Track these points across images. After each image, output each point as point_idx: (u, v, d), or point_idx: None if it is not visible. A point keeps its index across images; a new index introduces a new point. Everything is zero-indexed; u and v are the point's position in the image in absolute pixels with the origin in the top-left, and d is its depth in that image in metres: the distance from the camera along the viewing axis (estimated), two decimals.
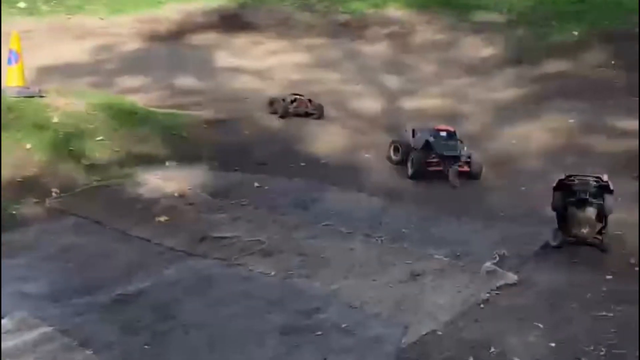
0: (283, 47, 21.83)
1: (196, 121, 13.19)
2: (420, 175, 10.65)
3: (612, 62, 16.45)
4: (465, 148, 11.08)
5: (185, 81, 17.47)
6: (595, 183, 7.82)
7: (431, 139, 10.88)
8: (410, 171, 10.85)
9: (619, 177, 9.99)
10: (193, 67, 18.95)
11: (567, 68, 16.91)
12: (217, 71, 19.22)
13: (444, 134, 10.97)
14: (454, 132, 11.12)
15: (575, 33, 18.64)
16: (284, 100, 14.15)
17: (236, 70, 19.03)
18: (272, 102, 14.34)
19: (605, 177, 7.84)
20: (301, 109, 14.09)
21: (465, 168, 10.70)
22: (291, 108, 14.00)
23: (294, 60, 20.28)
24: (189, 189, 9.97)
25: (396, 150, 11.65)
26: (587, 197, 7.75)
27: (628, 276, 7.33)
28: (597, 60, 16.82)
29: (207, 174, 10.75)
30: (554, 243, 7.94)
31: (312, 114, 14.12)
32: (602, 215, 7.81)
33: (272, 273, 7.41)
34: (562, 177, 7.90)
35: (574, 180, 7.89)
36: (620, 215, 8.30)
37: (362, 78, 18.57)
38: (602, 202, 7.75)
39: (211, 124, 13.22)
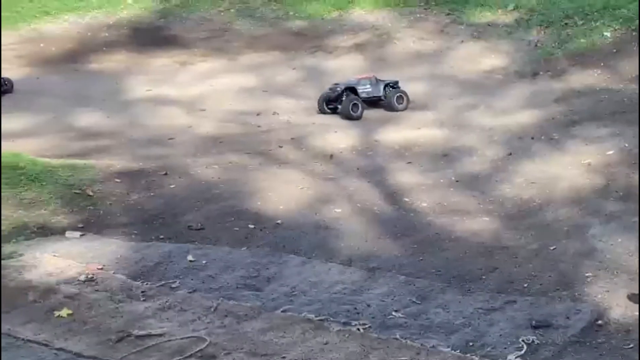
0: (218, 67, 21.91)
1: (105, 174, 13.13)
2: None
3: None
4: None
5: (88, 119, 17.35)
6: None
7: None
8: None
9: None
10: (97, 100, 18.94)
11: (599, 81, 17.21)
12: (130, 104, 19.25)
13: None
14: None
15: (607, 34, 19.02)
16: None
17: (156, 101, 19.03)
18: None
19: None
20: None
21: None
22: None
23: (234, 84, 20.33)
24: (99, 268, 9.78)
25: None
26: None
27: None
28: (637, 70, 17.13)
29: (123, 246, 10.60)
30: None
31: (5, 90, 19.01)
32: None
33: None
34: None
35: None
36: None
37: None
38: None
39: (125, 176, 13.16)
